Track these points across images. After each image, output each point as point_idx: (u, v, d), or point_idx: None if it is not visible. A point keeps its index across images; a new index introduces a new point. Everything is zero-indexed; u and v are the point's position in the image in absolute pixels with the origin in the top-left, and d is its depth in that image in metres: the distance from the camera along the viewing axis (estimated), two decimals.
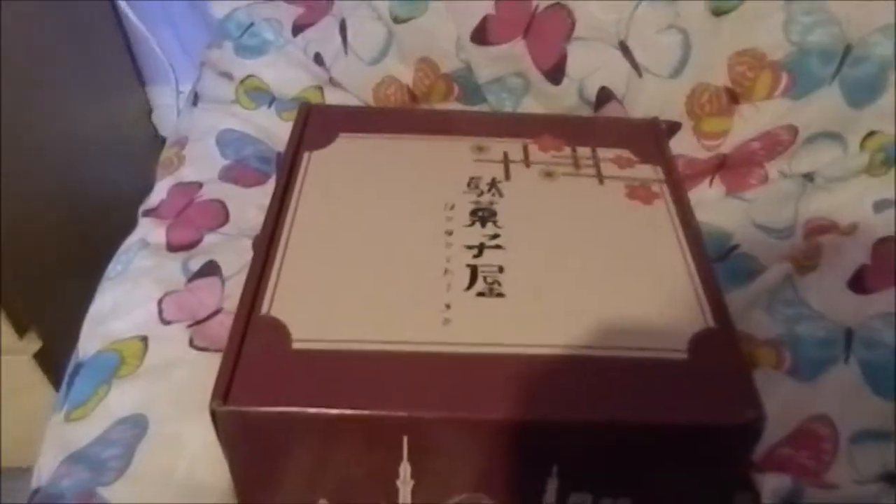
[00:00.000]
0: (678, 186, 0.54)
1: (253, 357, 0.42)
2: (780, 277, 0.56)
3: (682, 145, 0.69)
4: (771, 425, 0.41)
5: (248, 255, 0.56)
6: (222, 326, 0.54)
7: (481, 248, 0.48)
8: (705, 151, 0.69)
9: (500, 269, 0.46)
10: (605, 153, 0.56)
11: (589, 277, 0.46)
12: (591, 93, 0.70)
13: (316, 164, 0.54)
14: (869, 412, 0.49)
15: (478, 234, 0.49)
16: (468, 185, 0.53)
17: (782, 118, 0.66)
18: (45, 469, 0.50)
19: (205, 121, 0.76)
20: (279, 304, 0.44)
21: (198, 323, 0.56)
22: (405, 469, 0.42)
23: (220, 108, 0.77)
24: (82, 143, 1.04)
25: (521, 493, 0.43)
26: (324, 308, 0.44)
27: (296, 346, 0.42)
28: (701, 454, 0.41)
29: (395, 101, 0.75)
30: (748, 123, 0.67)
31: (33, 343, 0.91)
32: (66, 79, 1.00)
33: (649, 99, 0.69)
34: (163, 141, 0.82)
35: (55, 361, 0.92)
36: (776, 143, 0.66)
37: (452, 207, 0.51)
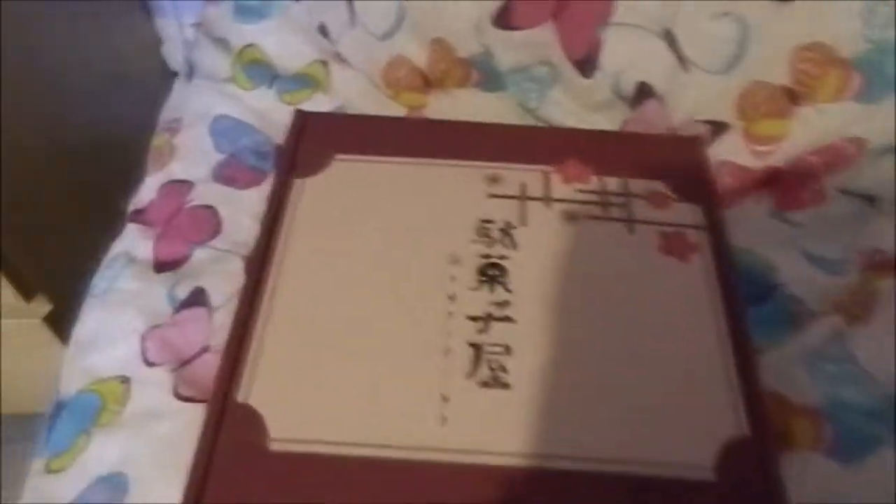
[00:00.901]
0: (720, 232, 0.47)
1: (227, 457, 0.38)
2: (828, 333, 0.50)
3: (729, 149, 0.60)
4: None
5: (239, 279, 0.51)
6: (208, 368, 0.50)
7: (487, 321, 0.42)
8: (755, 159, 0.60)
9: (507, 350, 0.41)
10: (637, 186, 0.49)
11: (608, 363, 0.41)
12: (628, 88, 0.61)
13: (306, 198, 0.48)
14: None
15: (485, 301, 0.43)
16: (477, 231, 0.46)
17: (848, 126, 0.57)
18: None
19: (199, 102, 0.69)
20: (257, 390, 0.40)
21: (183, 364, 0.52)
22: None
23: (215, 88, 0.69)
24: (89, 80, 0.98)
25: None
26: (306, 397, 0.39)
27: (273, 446, 0.38)
28: None
29: (406, 85, 0.67)
30: (808, 129, 0.59)
31: (42, 306, 0.89)
32: (69, 9, 0.93)
33: (695, 97, 0.60)
34: (173, 75, 0.76)
35: (66, 323, 0.90)
36: (838, 155, 0.58)
37: (458, 262, 0.45)
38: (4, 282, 0.84)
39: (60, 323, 0.89)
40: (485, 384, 0.40)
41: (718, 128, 0.61)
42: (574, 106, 0.63)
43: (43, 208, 0.88)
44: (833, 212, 0.58)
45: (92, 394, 0.51)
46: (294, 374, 0.40)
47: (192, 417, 0.46)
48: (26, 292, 0.89)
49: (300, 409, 0.39)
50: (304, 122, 0.52)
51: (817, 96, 0.58)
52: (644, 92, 0.61)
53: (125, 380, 0.51)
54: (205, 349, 0.52)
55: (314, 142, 0.51)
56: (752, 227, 0.57)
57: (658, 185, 0.48)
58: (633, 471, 0.37)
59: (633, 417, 0.39)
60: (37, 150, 0.87)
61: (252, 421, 0.38)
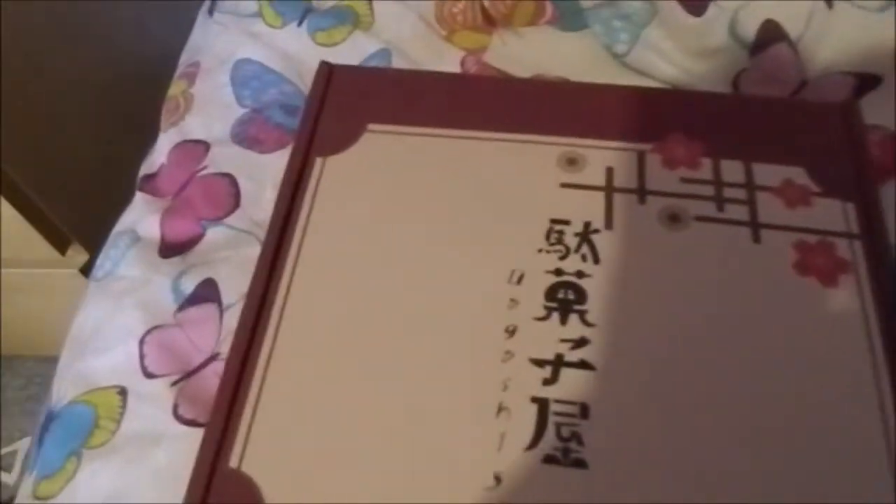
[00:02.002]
0: (882, 241, 0.34)
1: None
2: None
3: (881, 111, 0.47)
4: None
5: None
6: (215, 381, 0.41)
7: (557, 367, 0.31)
8: None
9: (584, 412, 0.30)
10: (765, 174, 0.36)
11: (723, 435, 0.30)
12: (749, 30, 0.47)
13: (327, 189, 0.38)
14: None
15: (555, 337, 0.32)
16: (547, 236, 0.35)
17: None
18: None
19: (219, 44, 0.58)
20: (253, 454, 0.31)
21: (187, 376, 0.43)
22: None
23: (238, 25, 0.59)
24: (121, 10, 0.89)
25: None
26: (312, 466, 0.30)
27: None
28: None
29: (463, 23, 0.55)
30: None
31: (78, 256, 0.85)
32: None
33: (840, 42, 0.46)
34: None
35: None
36: None
37: (520, 280, 0.34)
38: (39, 236, 0.81)
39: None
40: (551, 460, 0.29)
41: (866, 82, 0.47)
42: (676, 52, 0.50)
43: (75, 160, 0.82)
44: None
45: (85, 405, 0.44)
46: (298, 435, 0.31)
47: (193, 444, 0.38)
48: (60, 246, 0.86)
49: (305, 480, 0.30)
50: (329, 79, 0.41)
51: None
52: (771, 35, 0.48)
53: (122, 391, 0.44)
54: (213, 357, 0.44)
55: (342, 106, 0.40)
56: None
57: (794, 173, 0.36)
58: None
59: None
60: (70, 95, 0.80)
61: (246, 492, 0.30)
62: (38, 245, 0.81)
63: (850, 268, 0.33)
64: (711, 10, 0.47)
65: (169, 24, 0.78)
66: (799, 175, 0.36)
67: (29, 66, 0.72)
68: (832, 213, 0.35)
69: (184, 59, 0.62)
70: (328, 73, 0.42)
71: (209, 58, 0.59)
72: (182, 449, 0.41)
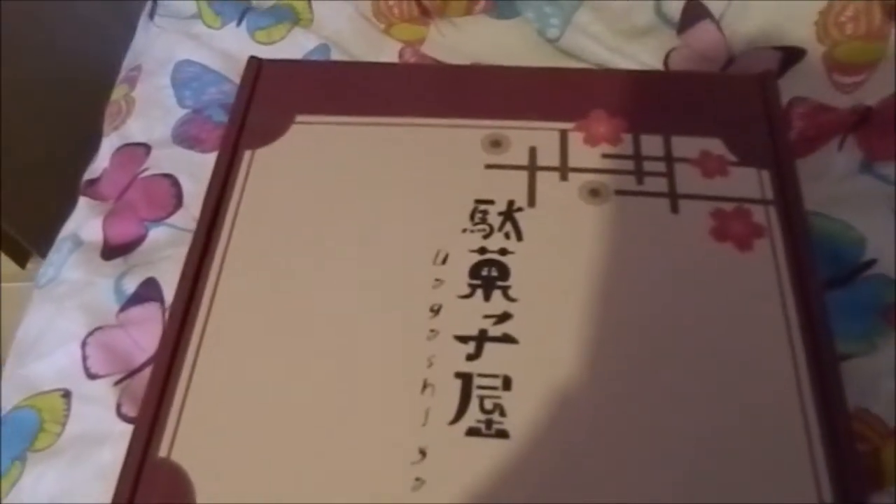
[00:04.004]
0: (795, 208, 0.35)
1: None
2: None
3: (804, 83, 0.48)
4: None
5: None
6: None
7: (481, 342, 0.32)
8: (838, 94, 0.48)
9: (507, 384, 0.31)
10: (684, 147, 0.37)
11: (642, 403, 0.30)
12: (675, 8, 0.48)
13: (257, 178, 0.38)
14: None
15: (478, 314, 0.33)
16: (472, 216, 0.35)
17: None
18: None
19: (160, 46, 0.58)
20: (183, 442, 0.31)
21: (130, 375, 0.44)
22: None
23: (178, 28, 0.59)
24: (76, 23, 0.88)
25: None
26: (243, 450, 0.30)
27: None
28: None
29: (400, 16, 0.55)
30: None
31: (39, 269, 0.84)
32: None
33: (762, 17, 0.47)
34: (153, 1, 0.66)
35: None
36: None
37: (445, 260, 0.34)
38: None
39: None
40: (475, 432, 0.30)
41: (792, 55, 0.49)
42: (606, 34, 0.51)
43: (34, 172, 0.82)
44: None
45: (29, 410, 0.44)
46: (231, 421, 0.31)
47: None
48: (20, 259, 0.86)
49: (235, 467, 0.30)
50: (259, 73, 0.42)
51: None
52: (695, 13, 0.49)
53: (65, 394, 0.44)
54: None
55: (271, 99, 0.41)
56: (834, 186, 0.45)
57: (711, 145, 0.37)
58: None
59: (675, 479, 0.28)
60: (25, 106, 0.80)
61: (175, 482, 0.30)
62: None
63: (765, 232, 0.34)
64: None
65: (115, 28, 0.78)
66: (716, 146, 0.37)
67: None
68: (748, 182, 0.36)
69: (126, 63, 0.62)
70: (257, 68, 0.42)
71: (150, 61, 0.59)
72: (125, 447, 0.41)
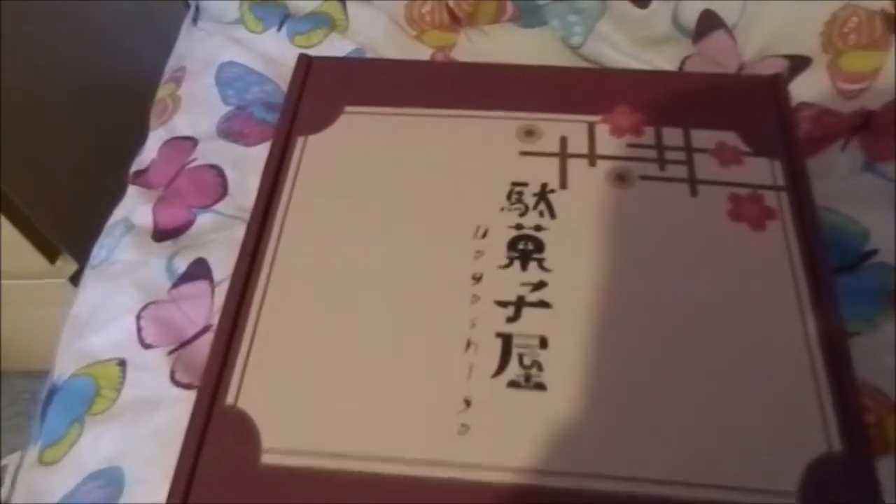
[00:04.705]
0: (804, 193, 0.39)
1: (213, 471, 0.32)
2: None
3: (811, 90, 0.51)
4: None
5: None
6: (208, 350, 0.45)
7: (519, 307, 0.35)
8: (842, 100, 0.51)
9: (543, 343, 0.34)
10: (702, 138, 0.40)
11: (665, 362, 0.34)
12: (690, 18, 0.52)
13: (310, 162, 0.41)
14: None
15: (516, 282, 0.36)
16: (508, 197, 0.39)
17: None
18: None
19: (204, 49, 0.62)
20: (249, 391, 0.34)
21: (182, 346, 0.47)
22: None
23: (221, 32, 0.63)
24: (106, 34, 0.92)
25: None
26: (304, 400, 0.33)
27: (266, 459, 0.32)
28: None
29: (431, 23, 0.59)
30: None
31: (67, 266, 0.86)
32: None
33: (771, 26, 0.51)
34: (196, 8, 0.70)
35: None
36: None
37: (485, 235, 0.38)
38: (28, 245, 0.82)
39: None
40: (515, 384, 0.33)
41: (799, 63, 0.52)
42: (626, 42, 0.54)
43: (63, 166, 0.85)
44: None
45: (86, 378, 0.47)
46: (290, 372, 0.34)
47: (190, 406, 0.41)
48: (50, 254, 0.87)
49: (298, 415, 0.33)
50: (308, 69, 0.45)
51: None
52: (710, 23, 0.53)
53: (121, 363, 0.47)
54: (206, 328, 0.47)
55: (321, 92, 0.44)
56: (839, 183, 0.49)
57: (727, 137, 0.40)
58: (697, 496, 0.30)
59: (697, 428, 0.32)
60: (57, 105, 0.83)
61: (242, 428, 0.33)
62: (27, 256, 0.83)
63: (777, 215, 0.38)
64: (655, 2, 0.52)
65: (149, 41, 0.82)
66: (732, 138, 0.40)
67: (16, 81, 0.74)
68: (761, 170, 0.39)
69: (170, 65, 0.66)
70: (307, 64, 0.46)
71: (194, 62, 0.62)
72: (179, 410, 0.44)
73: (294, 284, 0.37)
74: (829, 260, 0.37)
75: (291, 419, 0.33)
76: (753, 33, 0.52)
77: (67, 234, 0.85)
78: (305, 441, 0.32)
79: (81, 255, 0.85)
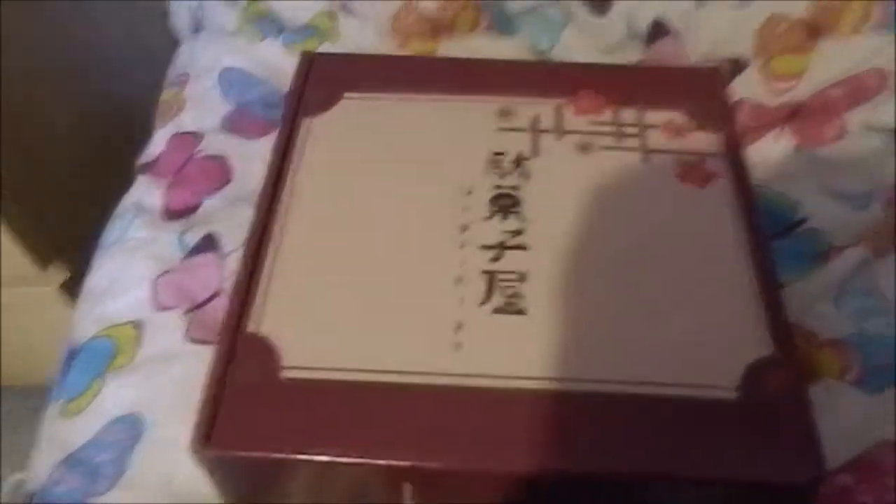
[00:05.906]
0: (739, 159, 0.46)
1: (238, 388, 0.37)
2: (854, 265, 0.48)
3: (748, 88, 0.59)
4: (830, 446, 0.35)
5: None
6: (221, 312, 0.49)
7: (501, 249, 0.41)
8: (774, 96, 0.59)
9: (522, 277, 0.40)
10: (653, 117, 0.47)
11: (625, 288, 0.40)
12: (643, 26, 0.60)
13: (315, 137, 0.47)
14: None
15: (497, 230, 0.42)
16: (489, 164, 0.45)
17: (870, 58, 0.56)
18: (41, 470, 0.47)
19: (206, 56, 0.68)
20: (269, 320, 0.39)
21: (196, 308, 0.51)
22: None
23: (222, 41, 0.69)
24: (99, 54, 0.97)
25: None
26: (318, 325, 0.39)
27: (287, 374, 0.37)
28: None
29: (414, 33, 0.66)
30: (828, 63, 0.57)
31: (59, 274, 0.89)
32: None
33: (712, 33, 0.59)
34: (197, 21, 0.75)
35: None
36: (860, 89, 0.56)
37: (470, 193, 0.44)
38: (19, 250, 0.84)
39: (77, 291, 0.88)
40: (499, 310, 0.39)
41: (737, 65, 0.60)
42: (588, 47, 0.62)
43: (57, 176, 0.88)
44: (856, 147, 0.56)
45: (105, 339, 0.51)
46: (306, 303, 0.39)
47: (205, 359, 0.45)
48: (42, 260, 0.89)
49: (313, 338, 0.38)
50: (311, 63, 0.51)
51: (839, 28, 0.56)
52: (659, 30, 0.60)
53: (138, 324, 0.51)
54: (217, 293, 0.52)
55: (322, 82, 0.50)
56: (773, 165, 0.56)
57: (675, 115, 0.47)
58: (654, 392, 0.36)
59: (653, 338, 0.38)
60: (52, 118, 0.87)
61: (264, 350, 0.38)
62: (16, 262, 0.84)
63: (717, 176, 0.44)
64: (612, 12, 0.60)
65: (136, 68, 0.86)
66: (679, 117, 0.47)
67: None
68: (704, 141, 0.46)
69: (172, 73, 0.71)
70: (310, 59, 0.52)
71: (196, 68, 0.68)
72: (195, 363, 0.48)
73: (306, 233, 0.42)
74: (760, 212, 0.44)
75: (308, 342, 0.38)
76: (697, 39, 0.59)
77: (58, 244, 0.88)
78: (321, 359, 0.37)
79: (72, 266, 0.88)
